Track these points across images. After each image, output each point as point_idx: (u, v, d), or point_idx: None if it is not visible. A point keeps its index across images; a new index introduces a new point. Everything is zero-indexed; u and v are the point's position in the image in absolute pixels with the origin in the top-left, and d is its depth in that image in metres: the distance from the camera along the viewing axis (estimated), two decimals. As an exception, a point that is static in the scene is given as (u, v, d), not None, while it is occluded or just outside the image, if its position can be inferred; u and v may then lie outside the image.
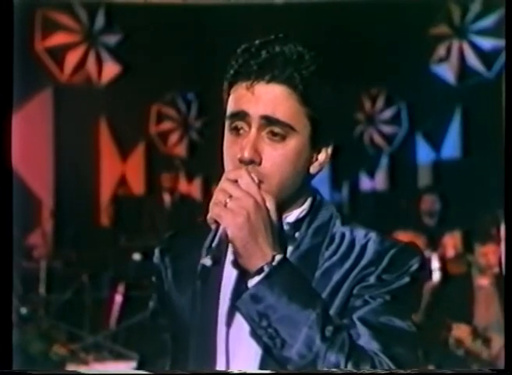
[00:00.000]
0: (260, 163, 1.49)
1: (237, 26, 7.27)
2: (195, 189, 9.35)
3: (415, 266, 1.53)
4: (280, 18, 7.29)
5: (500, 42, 7.75)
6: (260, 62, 1.49)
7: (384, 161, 9.46)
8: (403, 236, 5.72)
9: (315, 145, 1.54)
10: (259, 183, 1.48)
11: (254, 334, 1.47)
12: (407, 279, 1.52)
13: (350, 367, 1.43)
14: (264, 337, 1.44)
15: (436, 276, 5.62)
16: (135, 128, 9.14)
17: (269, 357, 1.48)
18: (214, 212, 1.45)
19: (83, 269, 6.82)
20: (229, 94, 1.53)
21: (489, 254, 5.15)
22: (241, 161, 1.49)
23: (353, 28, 8.02)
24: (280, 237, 1.52)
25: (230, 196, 1.45)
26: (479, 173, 7.46)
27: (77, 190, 8.55)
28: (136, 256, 7.05)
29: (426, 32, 8.59)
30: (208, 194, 9.32)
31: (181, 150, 9.46)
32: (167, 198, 8.46)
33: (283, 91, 1.49)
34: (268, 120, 1.49)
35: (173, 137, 9.47)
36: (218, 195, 1.46)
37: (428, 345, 4.78)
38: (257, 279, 1.44)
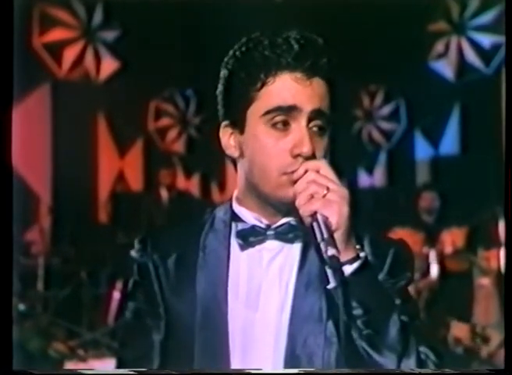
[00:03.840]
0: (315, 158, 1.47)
1: (236, 23, 7.25)
2: (193, 185, 9.34)
3: (412, 263, 1.57)
4: (280, 15, 7.27)
5: (499, 38, 7.74)
6: (312, 55, 1.46)
7: (382, 157, 9.47)
8: (402, 233, 5.72)
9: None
10: None
11: (344, 326, 1.41)
12: (409, 275, 1.54)
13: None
14: (354, 326, 1.41)
15: (435, 273, 5.61)
16: (133, 124, 9.13)
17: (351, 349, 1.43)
18: (317, 203, 1.41)
19: (81, 266, 6.80)
20: (263, 84, 1.47)
21: (492, 258, 5.17)
22: (298, 156, 1.45)
23: (352, 25, 8.00)
24: None
25: (327, 188, 1.42)
26: (478, 170, 7.45)
27: (75, 186, 8.52)
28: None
29: (425, 28, 8.59)
30: (205, 190, 9.32)
31: (179, 146, 9.46)
32: (165, 194, 8.44)
33: (325, 85, 1.49)
34: (317, 114, 1.47)
35: (171, 134, 9.46)
36: (310, 187, 1.42)
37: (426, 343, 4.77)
38: (350, 269, 1.41)
